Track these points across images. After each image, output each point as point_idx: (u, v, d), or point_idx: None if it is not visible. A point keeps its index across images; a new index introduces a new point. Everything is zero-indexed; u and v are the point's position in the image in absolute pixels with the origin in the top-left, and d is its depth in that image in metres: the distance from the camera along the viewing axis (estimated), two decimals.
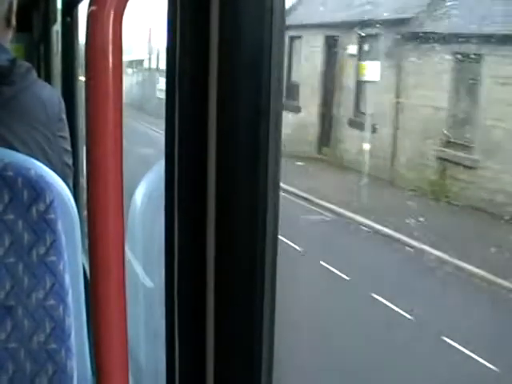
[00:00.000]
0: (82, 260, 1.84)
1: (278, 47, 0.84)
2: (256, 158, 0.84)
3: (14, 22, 1.98)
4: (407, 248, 7.09)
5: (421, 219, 6.84)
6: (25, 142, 1.81)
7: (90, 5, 0.89)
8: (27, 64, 1.89)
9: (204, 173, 0.86)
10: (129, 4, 0.91)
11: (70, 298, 1.74)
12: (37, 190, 1.67)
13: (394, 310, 6.29)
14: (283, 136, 0.90)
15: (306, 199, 8.93)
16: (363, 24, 8.25)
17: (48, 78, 4.16)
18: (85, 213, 2.43)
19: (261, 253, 0.86)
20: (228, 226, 0.87)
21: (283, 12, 0.84)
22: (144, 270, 1.90)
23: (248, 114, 0.84)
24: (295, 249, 7.30)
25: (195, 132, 0.88)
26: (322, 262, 7.43)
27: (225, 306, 0.88)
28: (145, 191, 1.85)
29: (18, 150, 1.78)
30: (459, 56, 6.81)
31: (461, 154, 7.32)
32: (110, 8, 0.86)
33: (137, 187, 1.86)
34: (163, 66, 0.98)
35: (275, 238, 0.88)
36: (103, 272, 0.94)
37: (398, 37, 7.86)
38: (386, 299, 6.46)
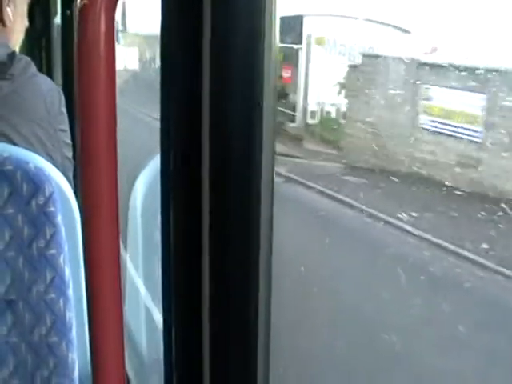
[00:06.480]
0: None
1: (270, 37, 0.82)
2: (250, 153, 0.84)
3: (11, 18, 1.93)
4: None
5: None
6: (25, 137, 1.80)
7: None
8: (26, 58, 1.88)
9: (198, 167, 0.85)
10: None
11: (70, 291, 1.74)
12: (36, 183, 1.66)
13: None
14: None
15: None
16: None
17: (49, 71, 4.14)
18: None
19: (256, 248, 0.86)
20: (222, 219, 0.86)
21: (275, 3, 0.83)
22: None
23: (241, 107, 0.83)
24: None
25: (189, 126, 0.88)
26: None
27: (220, 300, 0.88)
28: (144, 183, 1.85)
29: (17, 145, 1.77)
30: None
31: None
32: (102, 2, 0.84)
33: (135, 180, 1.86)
34: None
35: (270, 231, 0.87)
36: (98, 264, 0.94)
37: None
38: None
